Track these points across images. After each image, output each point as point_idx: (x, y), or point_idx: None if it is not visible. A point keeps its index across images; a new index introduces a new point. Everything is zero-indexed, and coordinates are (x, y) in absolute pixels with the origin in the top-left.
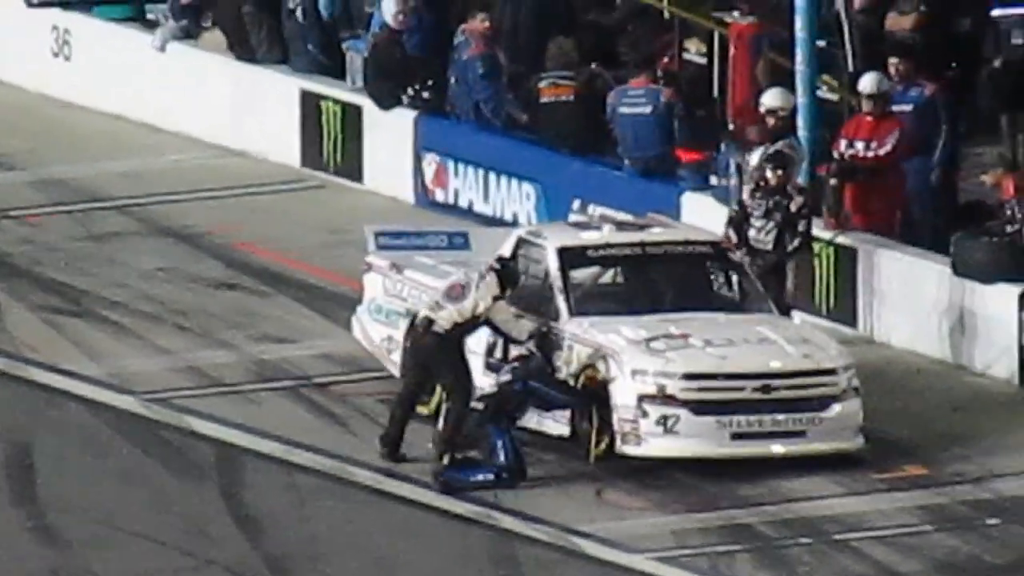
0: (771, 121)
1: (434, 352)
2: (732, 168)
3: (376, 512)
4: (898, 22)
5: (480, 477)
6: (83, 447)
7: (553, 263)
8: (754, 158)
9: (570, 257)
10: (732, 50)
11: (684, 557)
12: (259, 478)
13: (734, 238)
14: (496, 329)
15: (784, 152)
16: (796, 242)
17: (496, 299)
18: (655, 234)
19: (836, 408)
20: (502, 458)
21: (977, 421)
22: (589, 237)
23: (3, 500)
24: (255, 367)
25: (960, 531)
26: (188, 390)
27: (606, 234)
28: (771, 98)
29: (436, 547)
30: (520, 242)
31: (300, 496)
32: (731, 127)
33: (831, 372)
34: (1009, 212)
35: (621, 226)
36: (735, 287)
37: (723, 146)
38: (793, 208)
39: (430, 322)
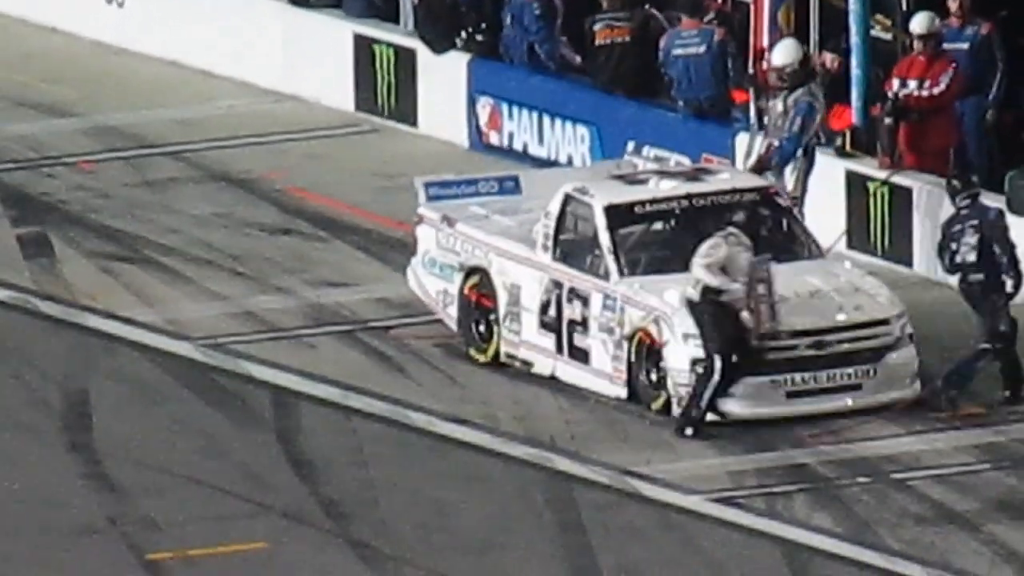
0: (779, 76)
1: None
2: (753, 113)
3: (433, 456)
4: None
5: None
6: (139, 394)
7: (601, 222)
8: (777, 104)
9: (618, 215)
10: None
11: (741, 498)
12: (316, 423)
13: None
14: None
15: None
16: None
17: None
18: (701, 185)
19: (891, 358)
20: None
21: None
22: (636, 193)
23: (60, 447)
24: (311, 312)
25: (1017, 470)
26: (244, 335)
27: (652, 188)
28: (776, 56)
29: (493, 490)
30: (567, 199)
31: (357, 441)
32: (752, 73)
33: (884, 323)
34: None
35: (668, 175)
36: (785, 232)
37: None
38: None
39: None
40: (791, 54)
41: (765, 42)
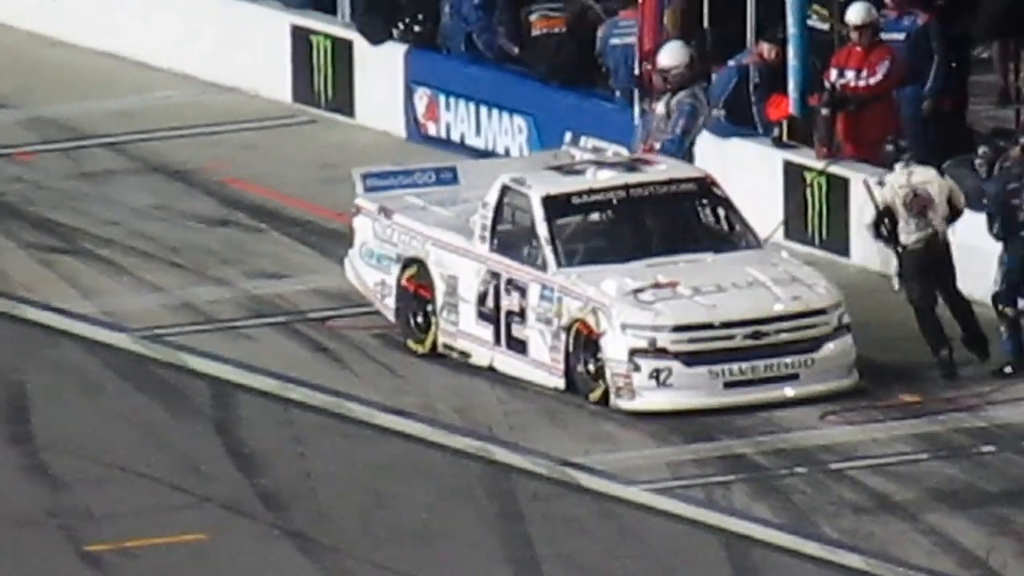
0: (664, 78)
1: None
2: (638, 113)
3: (372, 447)
4: None
5: None
6: (77, 385)
7: (538, 213)
8: (660, 107)
9: (555, 206)
10: None
11: (680, 488)
12: (254, 414)
13: None
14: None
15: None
16: None
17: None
18: (638, 175)
19: (828, 348)
20: None
21: None
22: (573, 183)
23: None
24: (249, 303)
25: (955, 459)
26: (182, 327)
27: (590, 178)
28: (664, 57)
29: (433, 481)
30: (504, 190)
31: (295, 432)
32: (638, 74)
33: (821, 312)
34: None
35: (605, 165)
36: (722, 222)
37: (636, 94)
38: None
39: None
40: (678, 57)
41: (649, 43)
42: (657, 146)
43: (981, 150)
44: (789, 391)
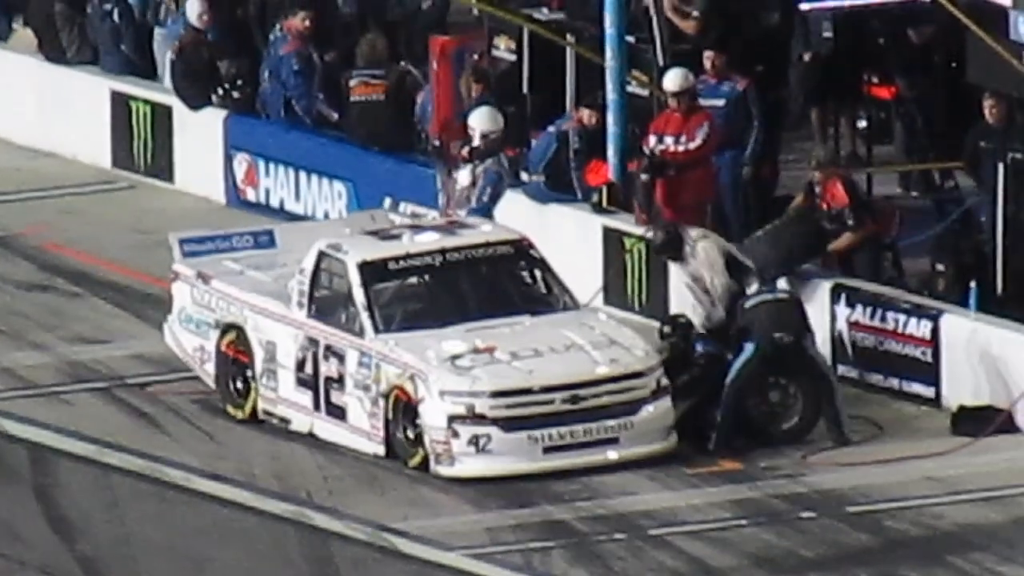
0: (481, 143)
1: None
2: (439, 185)
3: (190, 512)
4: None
5: None
6: None
7: (355, 279)
8: (463, 175)
9: (372, 271)
10: (434, 64)
11: (499, 554)
12: (72, 479)
13: None
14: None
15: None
16: None
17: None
18: (455, 239)
19: (647, 410)
20: None
21: None
22: (389, 248)
23: None
24: (68, 368)
25: (774, 525)
26: (0, 392)
27: (406, 243)
28: (482, 123)
29: (251, 547)
30: (321, 256)
31: (114, 497)
32: (437, 144)
33: (639, 375)
34: (849, 221)
35: (423, 229)
36: (539, 284)
37: (435, 163)
38: None
39: None
40: (494, 122)
41: (445, 113)
42: (462, 213)
43: (665, 329)
44: (612, 454)
